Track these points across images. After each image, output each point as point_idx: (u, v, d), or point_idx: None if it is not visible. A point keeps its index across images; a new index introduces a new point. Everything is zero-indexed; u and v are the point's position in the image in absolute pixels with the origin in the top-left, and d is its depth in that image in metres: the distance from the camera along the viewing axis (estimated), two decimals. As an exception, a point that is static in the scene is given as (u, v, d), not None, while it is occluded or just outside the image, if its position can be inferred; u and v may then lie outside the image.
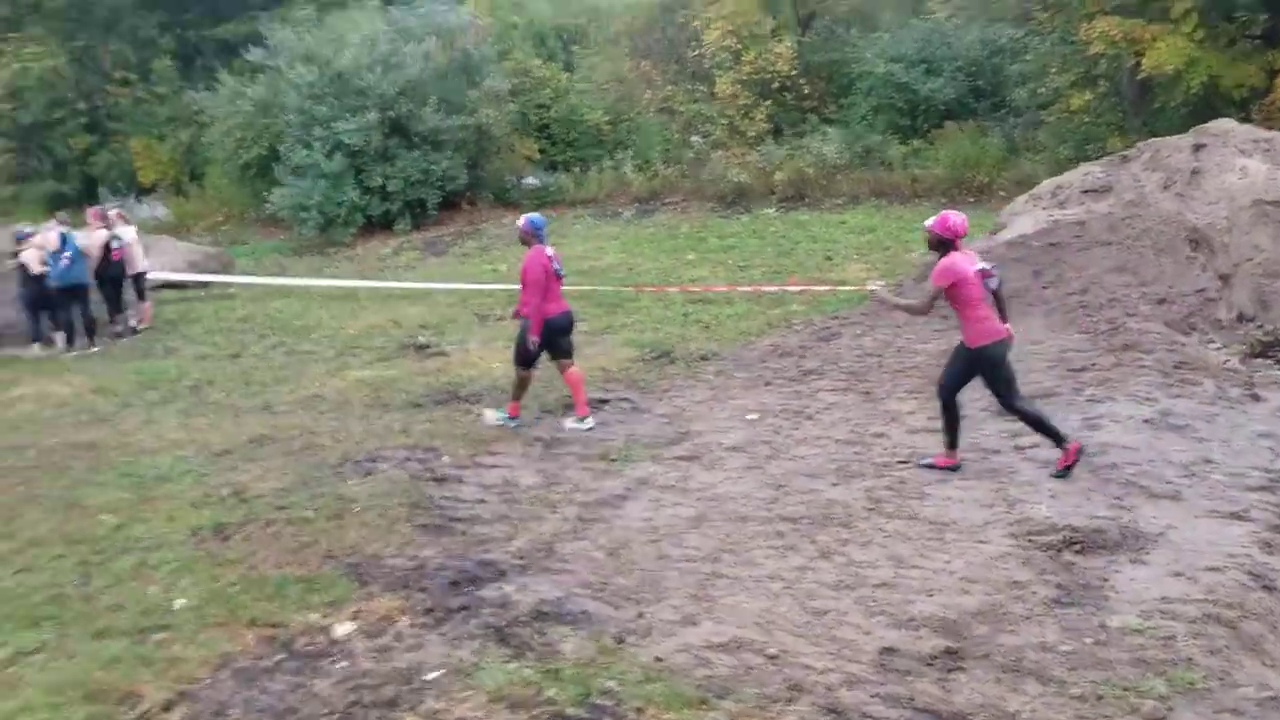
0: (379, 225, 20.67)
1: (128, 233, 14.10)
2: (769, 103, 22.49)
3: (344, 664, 4.98)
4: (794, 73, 22.39)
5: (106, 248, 13.53)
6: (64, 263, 12.97)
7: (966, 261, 6.64)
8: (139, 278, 14.19)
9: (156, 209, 23.49)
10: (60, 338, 13.36)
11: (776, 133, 22.35)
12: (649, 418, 8.75)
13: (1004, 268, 10.58)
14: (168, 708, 4.67)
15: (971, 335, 6.63)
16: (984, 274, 6.61)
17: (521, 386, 8.71)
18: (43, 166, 26.94)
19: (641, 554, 5.96)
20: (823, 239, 16.22)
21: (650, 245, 16.98)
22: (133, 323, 13.98)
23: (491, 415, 8.86)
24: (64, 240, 13.06)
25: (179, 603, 5.74)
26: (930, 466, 6.92)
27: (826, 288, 12.67)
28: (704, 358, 10.41)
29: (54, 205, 25.96)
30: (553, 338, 8.49)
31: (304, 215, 19.96)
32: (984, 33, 21.88)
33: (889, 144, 20.26)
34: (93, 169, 26.65)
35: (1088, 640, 4.70)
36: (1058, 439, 6.59)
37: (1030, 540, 5.74)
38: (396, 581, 5.82)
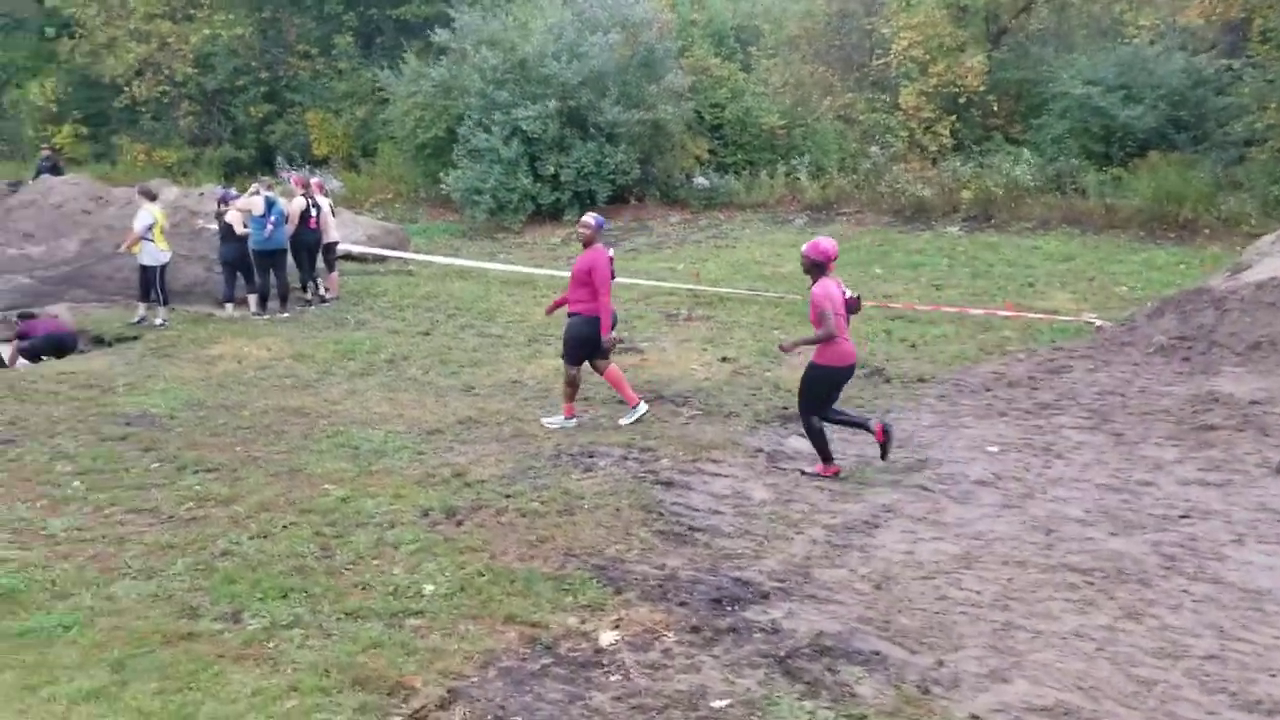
0: (548, 214, 20.58)
1: (324, 203, 14.22)
2: (953, 118, 21.68)
3: (617, 678, 4.66)
4: (982, 88, 21.54)
5: (304, 215, 13.64)
6: (268, 228, 13.09)
7: (836, 286, 7.26)
8: (329, 248, 14.29)
9: (331, 182, 23.84)
10: (253, 300, 13.53)
11: (958, 149, 21.52)
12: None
13: (1252, 312, 9.79)
14: (443, 705, 4.40)
15: (829, 354, 7.20)
16: (849, 301, 7.28)
17: (573, 386, 8.60)
18: (222, 132, 27.74)
19: (915, 592, 5.49)
20: (1018, 264, 15.43)
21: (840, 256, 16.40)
22: (322, 291, 14.08)
23: (551, 421, 8.64)
24: (269, 205, 13.19)
25: (428, 588, 5.51)
26: (814, 474, 7.33)
27: (1040, 316, 11.95)
28: (921, 379, 9.87)
29: (230, 170, 26.79)
30: (596, 337, 8.44)
31: (477, 199, 19.98)
32: (1189, 62, 20.65)
33: (1084, 170, 19.27)
34: (269, 138, 27.32)
35: None
36: (826, 455, 7.35)
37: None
38: (652, 591, 5.49)
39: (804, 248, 7.42)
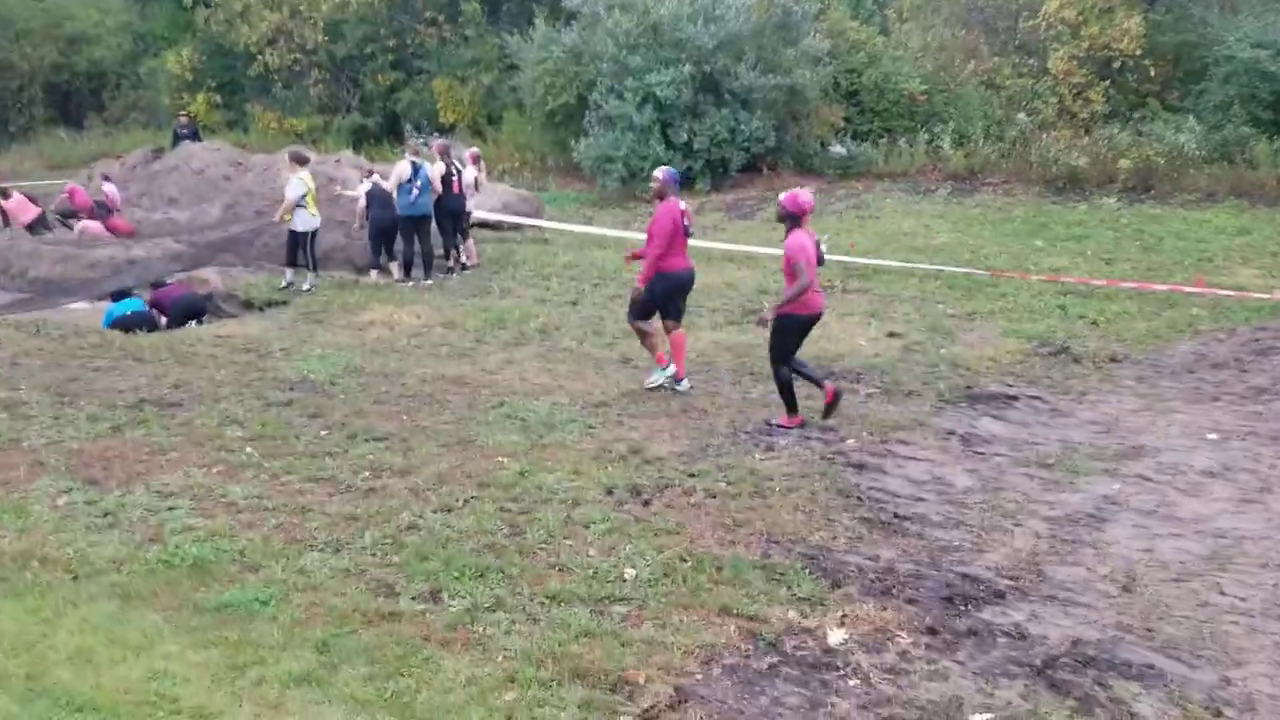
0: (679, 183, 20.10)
1: (467, 173, 14.01)
2: (1106, 83, 20.50)
3: (855, 683, 4.24)
4: (1138, 52, 20.29)
5: (447, 181, 13.45)
6: (413, 193, 12.93)
7: (809, 238, 7.31)
8: (465, 216, 14.09)
9: (461, 149, 23.75)
10: (396, 268, 13.43)
11: (1111, 116, 20.36)
12: (1075, 423, 7.66)
13: None
14: (673, 706, 4.05)
15: (798, 303, 7.25)
16: (819, 253, 7.39)
17: (643, 338, 8.50)
18: (350, 100, 27.93)
19: (1169, 596, 4.95)
20: (1188, 237, 14.44)
21: (985, 227, 15.65)
22: (463, 259, 13.91)
23: (653, 378, 8.52)
24: (415, 170, 13.04)
25: (629, 572, 5.18)
26: (777, 426, 7.41)
27: (1230, 293, 11.08)
28: (1113, 359, 9.18)
29: (358, 138, 26.97)
30: (670, 294, 8.29)
31: (609, 167, 19.61)
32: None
33: (1255, 139, 17.98)
34: (395, 105, 27.40)
35: None
36: (792, 406, 7.47)
37: None
38: (873, 586, 5.05)
39: (781, 197, 7.48)
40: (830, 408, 7.48)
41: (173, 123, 24.93)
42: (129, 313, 11.66)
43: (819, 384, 7.53)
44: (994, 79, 21.65)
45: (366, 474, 6.62)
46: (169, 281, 13.20)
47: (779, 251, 14.65)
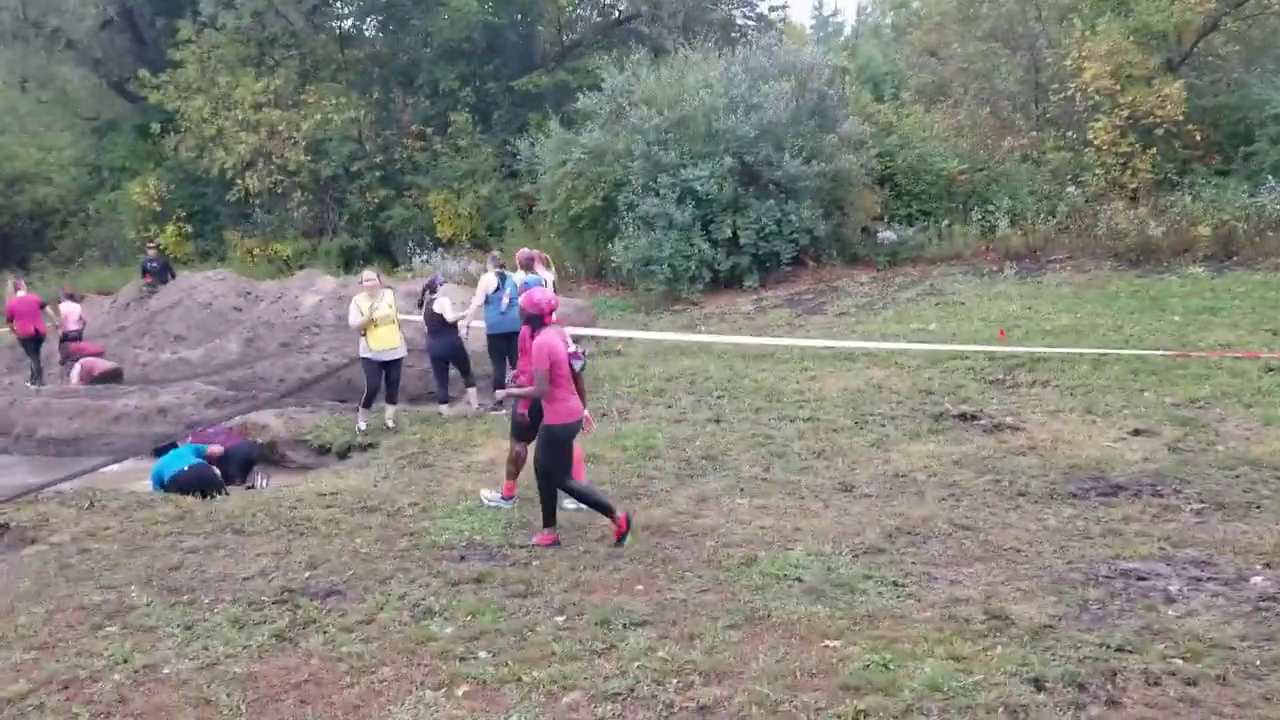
0: (724, 281, 18.75)
1: (548, 277, 12.39)
2: (1152, 150, 19.76)
3: None
4: (1180, 117, 19.63)
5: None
6: (504, 305, 11.21)
7: (560, 338, 6.78)
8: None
9: (469, 263, 22.20)
10: (473, 395, 11.68)
11: (1160, 184, 19.58)
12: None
13: None
14: None
15: (560, 412, 6.78)
16: (574, 355, 6.81)
17: (515, 461, 7.84)
18: (337, 220, 26.33)
19: None
20: (1325, 301, 13.35)
21: (1093, 305, 14.40)
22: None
23: (487, 495, 8.00)
24: (502, 280, 11.40)
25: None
26: (534, 545, 6.86)
27: None
28: None
29: (347, 260, 25.30)
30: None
31: (653, 269, 18.17)
32: None
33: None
34: (386, 223, 25.84)
35: None
36: (609, 512, 6.83)
37: None
38: None
39: (521, 299, 7.12)
40: (623, 538, 6.75)
41: (139, 258, 22.99)
42: (185, 469, 9.71)
43: (610, 511, 6.84)
44: (1032, 154, 20.87)
45: (674, 681, 4.83)
46: (208, 429, 11.37)
47: (894, 345, 13.38)
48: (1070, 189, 19.77)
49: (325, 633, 5.65)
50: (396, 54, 27.22)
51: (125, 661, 5.41)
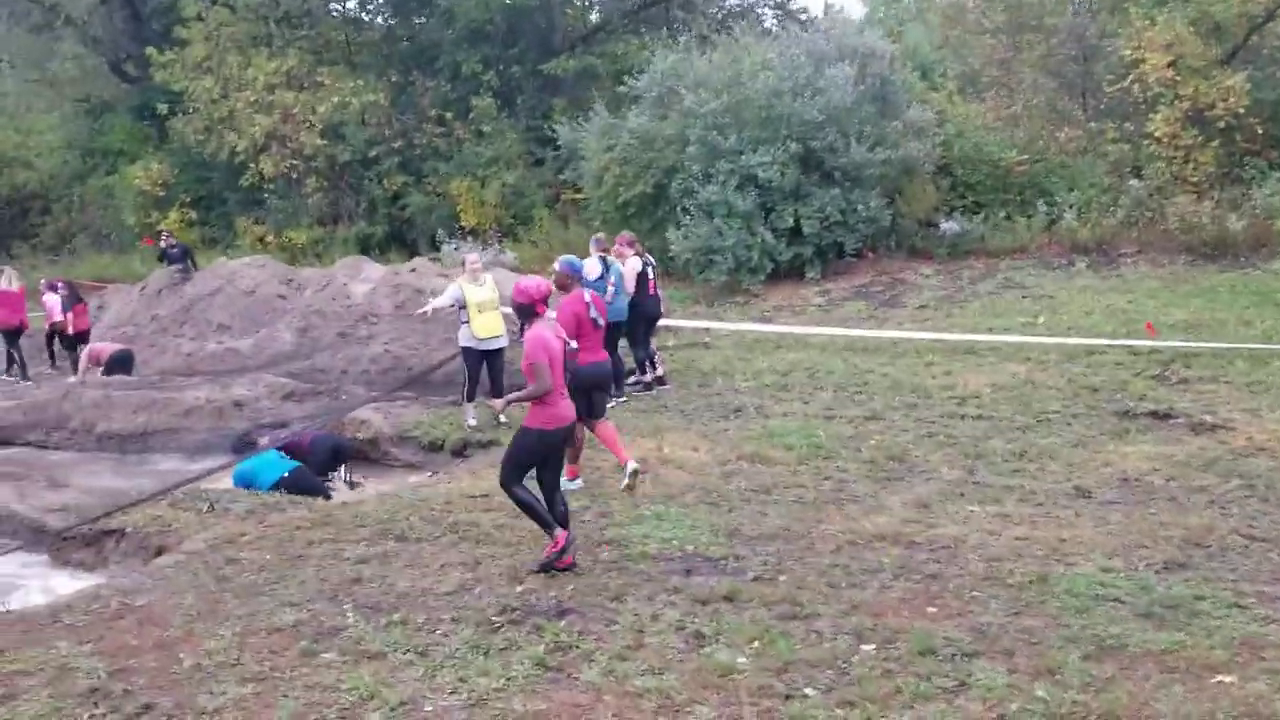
0: (785, 272, 17.96)
1: (634, 263, 11.39)
2: (1215, 143, 19.25)
3: None
4: (1242, 110, 19.15)
5: (642, 278, 11.00)
6: (608, 294, 10.32)
7: (553, 334, 6.20)
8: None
9: (504, 253, 21.22)
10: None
11: (1225, 176, 19.10)
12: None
13: None
14: None
15: (542, 416, 6.07)
16: (569, 354, 6.24)
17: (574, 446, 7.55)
18: (354, 207, 25.21)
19: None
20: None
21: (1202, 300, 13.81)
22: (660, 371, 11.33)
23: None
24: (606, 267, 10.55)
25: None
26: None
27: None
28: None
29: (364, 248, 24.15)
30: (584, 390, 7.30)
31: (714, 259, 17.35)
32: None
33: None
34: (404, 210, 24.77)
35: None
36: (548, 527, 6.07)
37: None
38: None
39: (512, 288, 6.47)
40: (556, 559, 5.97)
41: (137, 245, 21.75)
42: (285, 475, 8.77)
43: (550, 527, 6.05)
44: (1090, 145, 20.30)
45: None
46: (293, 425, 10.46)
47: (1007, 338, 12.71)
48: (1133, 182, 19.23)
49: (594, 661, 4.80)
50: (414, 35, 26.14)
51: (373, 697, 4.53)
